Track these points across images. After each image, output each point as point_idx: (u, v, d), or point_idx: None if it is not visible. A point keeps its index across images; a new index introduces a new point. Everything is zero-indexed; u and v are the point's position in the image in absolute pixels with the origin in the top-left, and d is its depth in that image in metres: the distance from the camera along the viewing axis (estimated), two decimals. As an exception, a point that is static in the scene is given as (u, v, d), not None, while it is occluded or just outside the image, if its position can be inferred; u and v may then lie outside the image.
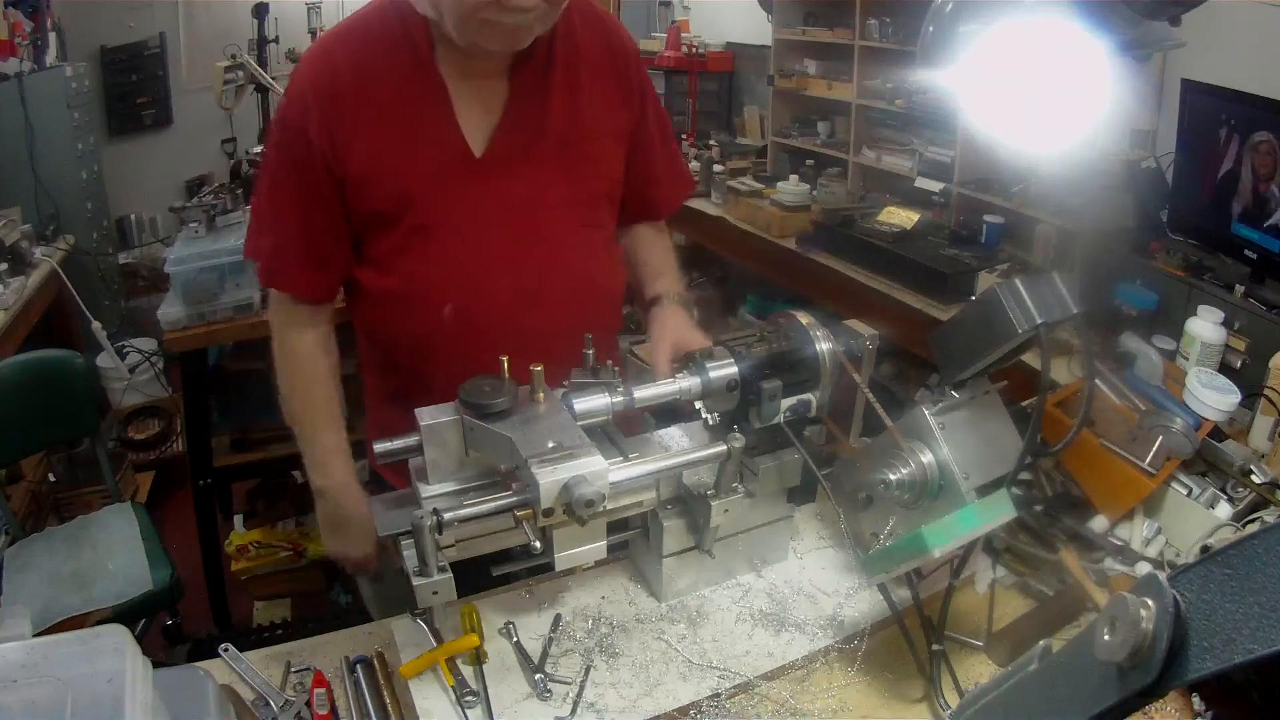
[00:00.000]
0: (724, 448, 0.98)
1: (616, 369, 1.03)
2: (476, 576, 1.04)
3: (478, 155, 1.17)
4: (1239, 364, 1.76)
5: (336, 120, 1.13)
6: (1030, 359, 1.01)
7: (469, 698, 0.95)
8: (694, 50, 4.35)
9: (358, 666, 1.03)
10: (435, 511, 0.86)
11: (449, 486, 0.98)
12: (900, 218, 3.01)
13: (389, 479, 1.28)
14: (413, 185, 1.16)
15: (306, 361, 1.27)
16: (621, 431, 1.07)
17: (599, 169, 1.26)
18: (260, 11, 3.72)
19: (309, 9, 3.97)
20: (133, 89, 4.24)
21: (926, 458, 0.96)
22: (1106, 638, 0.48)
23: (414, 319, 1.21)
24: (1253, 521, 1.24)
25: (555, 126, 1.20)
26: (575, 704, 0.96)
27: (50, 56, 3.62)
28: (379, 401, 1.36)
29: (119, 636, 0.72)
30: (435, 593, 0.92)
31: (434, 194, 1.16)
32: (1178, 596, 0.47)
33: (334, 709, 0.97)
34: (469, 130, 1.17)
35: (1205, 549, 1.19)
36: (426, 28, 1.13)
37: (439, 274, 1.19)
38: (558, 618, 1.09)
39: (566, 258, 1.23)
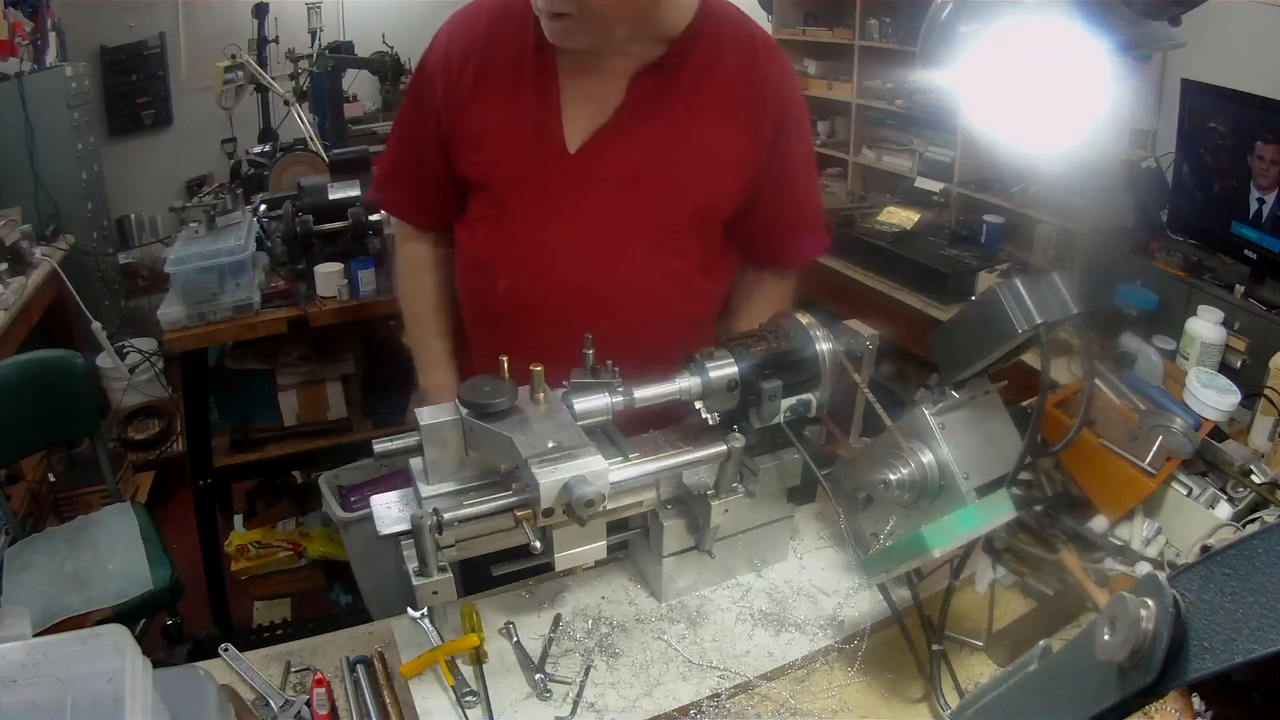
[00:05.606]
0: (724, 448, 0.98)
1: (617, 369, 1.03)
2: (477, 576, 1.04)
3: (571, 151, 1.19)
4: (1239, 364, 1.76)
5: (457, 82, 1.21)
6: (1030, 359, 1.01)
7: (469, 698, 0.95)
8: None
9: (358, 666, 1.03)
10: (435, 511, 0.86)
11: (449, 486, 0.98)
12: (900, 218, 3.01)
13: None
14: (499, 160, 1.22)
15: (416, 273, 1.39)
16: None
17: (695, 197, 1.21)
18: (260, 11, 3.73)
19: (309, 9, 3.98)
20: (133, 89, 4.25)
21: (926, 458, 0.96)
22: (1106, 638, 0.48)
23: (478, 283, 1.30)
24: (1253, 521, 1.24)
25: (661, 144, 1.19)
26: (575, 704, 0.96)
27: (50, 56, 3.62)
28: (466, 343, 1.41)
29: (119, 636, 0.72)
30: (435, 593, 0.92)
31: (516, 174, 1.21)
32: (1178, 596, 0.47)
33: (334, 709, 0.97)
34: (570, 125, 1.19)
35: (1205, 549, 1.19)
36: None
37: (502, 249, 1.24)
38: (558, 618, 1.09)
39: (630, 275, 1.21)
